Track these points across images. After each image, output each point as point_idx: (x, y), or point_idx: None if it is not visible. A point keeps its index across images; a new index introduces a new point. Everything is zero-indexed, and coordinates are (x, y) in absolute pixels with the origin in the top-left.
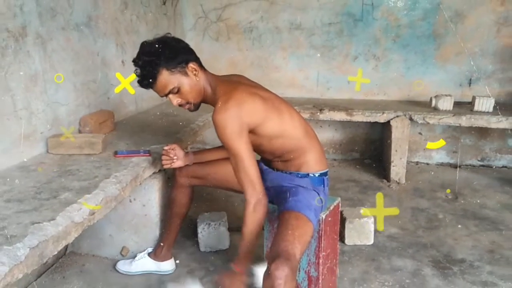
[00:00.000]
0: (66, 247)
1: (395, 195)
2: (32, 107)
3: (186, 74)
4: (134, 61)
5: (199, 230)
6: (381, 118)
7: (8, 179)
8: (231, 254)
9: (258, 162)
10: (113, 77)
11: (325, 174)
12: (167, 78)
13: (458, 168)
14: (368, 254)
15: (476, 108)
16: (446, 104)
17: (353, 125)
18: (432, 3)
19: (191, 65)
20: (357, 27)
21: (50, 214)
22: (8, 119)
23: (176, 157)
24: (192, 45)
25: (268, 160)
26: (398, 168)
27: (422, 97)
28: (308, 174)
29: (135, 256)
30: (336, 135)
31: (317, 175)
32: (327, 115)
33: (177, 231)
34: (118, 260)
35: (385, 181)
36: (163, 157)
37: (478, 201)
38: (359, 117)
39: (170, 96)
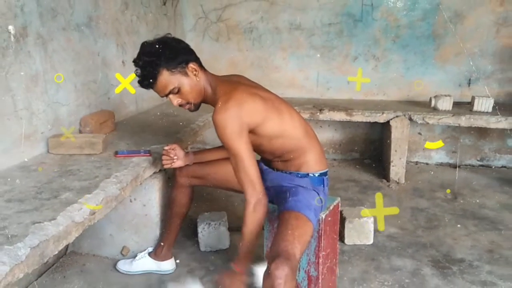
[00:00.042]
0: (66, 247)
1: (394, 195)
2: (32, 107)
3: (186, 74)
4: (134, 61)
5: (199, 229)
6: (381, 118)
7: (9, 179)
8: (231, 254)
9: (258, 162)
10: (114, 78)
11: (325, 174)
12: (168, 78)
13: (457, 168)
14: (367, 253)
15: (475, 108)
16: (445, 104)
17: (353, 125)
18: (431, 4)
19: (191, 65)
20: (357, 27)
21: (51, 214)
22: (9, 119)
23: (176, 157)
24: (192, 45)
25: (268, 160)
26: (397, 168)
27: (421, 97)
28: (308, 174)
29: (135, 256)
30: (335, 135)
31: (317, 175)
32: (327, 115)
33: (177, 231)
34: (119, 260)
35: (384, 181)
36: (163, 157)
37: (477, 201)
38: (359, 117)
39: (171, 96)
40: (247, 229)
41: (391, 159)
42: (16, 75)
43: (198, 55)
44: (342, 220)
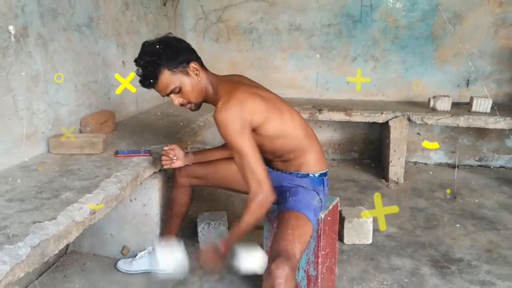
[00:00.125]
0: (67, 246)
1: (393, 195)
2: (33, 107)
3: (187, 74)
4: (136, 61)
5: (199, 229)
6: (380, 118)
7: (9, 179)
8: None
9: None
10: (114, 78)
11: (325, 174)
12: (169, 78)
13: (456, 168)
14: (366, 253)
15: (474, 108)
16: (444, 104)
17: (352, 126)
18: (430, 5)
19: (193, 65)
20: (356, 28)
21: (51, 214)
22: (10, 119)
23: (175, 158)
24: (192, 46)
25: (268, 160)
26: (396, 168)
27: (420, 98)
28: (308, 174)
29: (135, 255)
30: (335, 135)
31: (317, 175)
32: (326, 115)
33: (177, 231)
34: (119, 259)
35: (383, 181)
36: (163, 158)
37: (476, 200)
38: (358, 117)
39: (172, 95)
40: (246, 221)
41: (390, 159)
42: (17, 75)
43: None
44: (341, 220)
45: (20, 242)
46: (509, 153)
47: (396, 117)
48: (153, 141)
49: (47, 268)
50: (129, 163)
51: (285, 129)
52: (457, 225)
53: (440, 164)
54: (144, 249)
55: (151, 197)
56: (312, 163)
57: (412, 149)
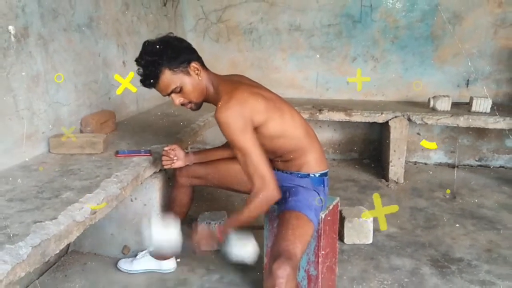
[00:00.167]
0: (68, 246)
1: (393, 195)
2: (34, 107)
3: (188, 73)
4: (136, 60)
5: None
6: (380, 118)
7: (10, 179)
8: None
9: None
10: (114, 78)
11: (325, 174)
12: (170, 77)
13: (456, 168)
14: (367, 253)
15: (473, 108)
16: (444, 104)
17: (352, 126)
18: (430, 5)
19: (193, 64)
20: (356, 28)
21: (52, 213)
22: (10, 119)
23: (176, 158)
24: (192, 46)
25: (269, 160)
26: (396, 168)
27: (420, 98)
28: (308, 174)
29: (136, 255)
30: (335, 135)
31: (317, 175)
32: (326, 115)
33: None
34: (120, 259)
35: (383, 180)
36: (163, 158)
37: (476, 200)
38: (358, 117)
39: (173, 95)
40: (246, 214)
41: (390, 159)
42: (18, 75)
43: None
44: (342, 220)
45: (21, 241)
46: (508, 153)
47: (396, 117)
48: (153, 141)
49: (48, 268)
50: (130, 163)
51: (285, 129)
52: (457, 225)
53: (440, 164)
54: (145, 249)
55: (151, 197)
56: (313, 163)
57: (412, 149)
